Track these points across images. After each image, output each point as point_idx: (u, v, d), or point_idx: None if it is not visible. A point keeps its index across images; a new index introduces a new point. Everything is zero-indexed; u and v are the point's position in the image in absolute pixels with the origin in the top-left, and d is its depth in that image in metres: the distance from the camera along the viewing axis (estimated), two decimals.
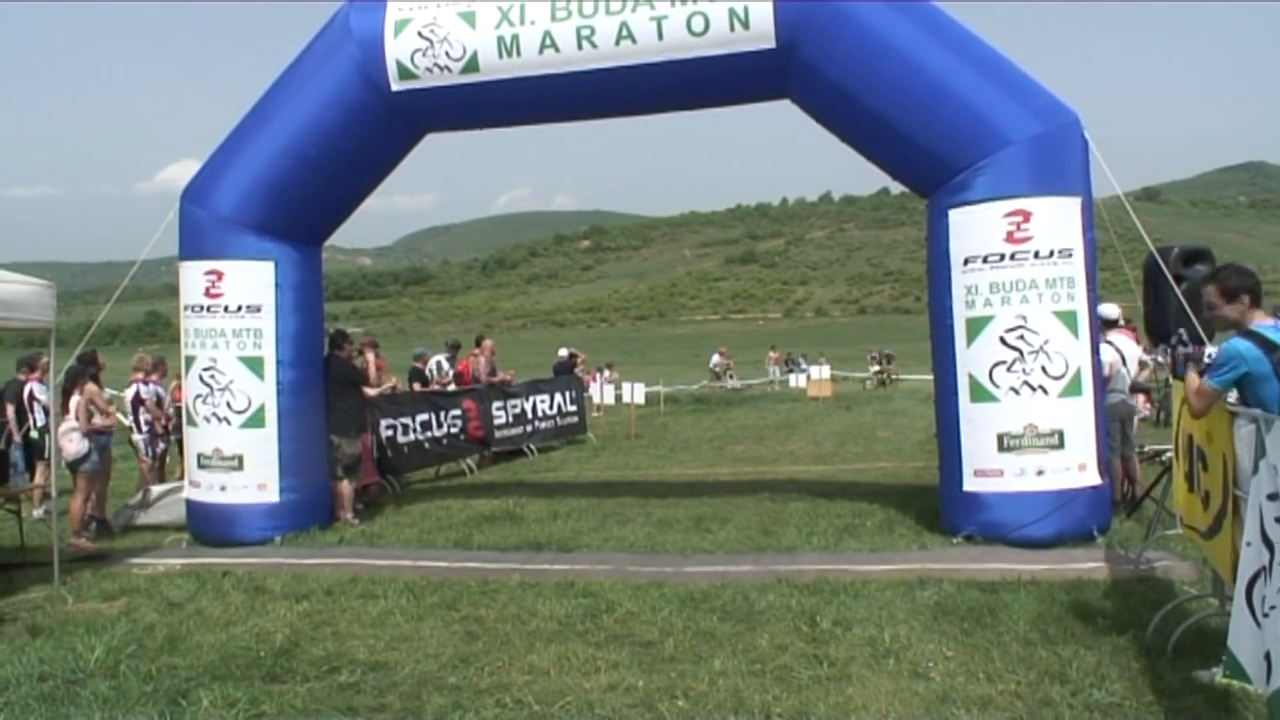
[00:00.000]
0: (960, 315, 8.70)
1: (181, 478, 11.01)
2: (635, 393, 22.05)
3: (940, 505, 9.13)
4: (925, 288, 9.47)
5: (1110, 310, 9.90)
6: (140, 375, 11.91)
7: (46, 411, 11.11)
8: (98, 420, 10.14)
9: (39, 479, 11.35)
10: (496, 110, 10.20)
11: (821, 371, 33.88)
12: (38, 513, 11.44)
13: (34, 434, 11.64)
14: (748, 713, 4.96)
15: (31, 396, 11.63)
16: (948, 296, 8.81)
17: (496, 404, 16.31)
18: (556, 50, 9.42)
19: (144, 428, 11.74)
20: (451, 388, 15.83)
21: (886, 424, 21.04)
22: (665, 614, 6.68)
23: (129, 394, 11.71)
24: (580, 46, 9.35)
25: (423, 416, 14.22)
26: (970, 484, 8.61)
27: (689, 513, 10.43)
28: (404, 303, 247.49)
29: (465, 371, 16.72)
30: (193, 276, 10.16)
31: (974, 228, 8.63)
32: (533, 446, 17.19)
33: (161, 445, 12.39)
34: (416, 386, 15.20)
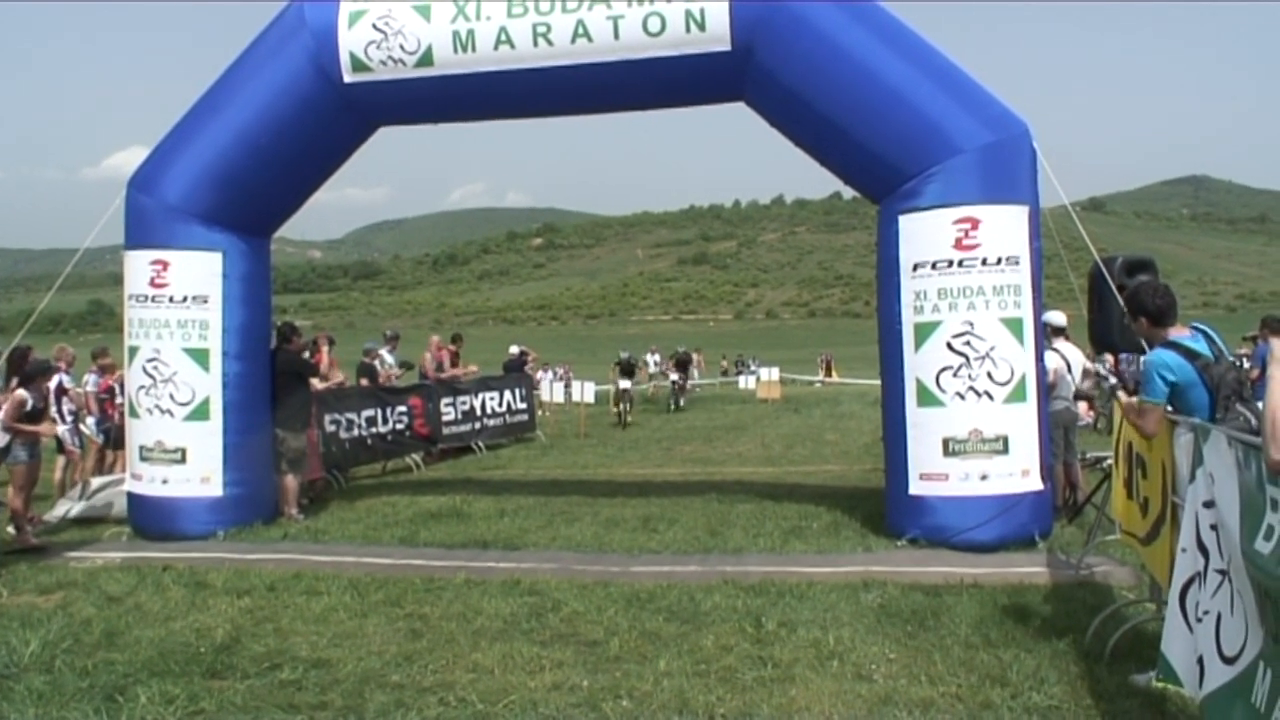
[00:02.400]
0: (909, 320, 8.79)
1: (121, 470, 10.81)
2: (585, 391, 22.03)
3: (886, 508, 9.22)
4: (875, 292, 9.55)
5: (1058, 317, 10.06)
6: (62, 365, 11.81)
7: None
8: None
9: None
10: (450, 105, 10.14)
11: (771, 374, 34.11)
12: None
13: None
14: (692, 713, 4.96)
15: None
16: (896, 302, 8.89)
17: (445, 400, 16.21)
18: (512, 46, 9.37)
19: (67, 418, 11.52)
20: (396, 381, 15.74)
21: (834, 427, 21.23)
22: (611, 614, 6.67)
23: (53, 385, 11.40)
24: (536, 43, 9.31)
25: (369, 412, 14.08)
26: (916, 487, 8.71)
27: (636, 513, 10.43)
28: (353, 296, 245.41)
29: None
30: (138, 266, 9.97)
31: (923, 234, 8.72)
32: (481, 444, 17.10)
33: (100, 436, 12.20)
34: (365, 382, 15.05)
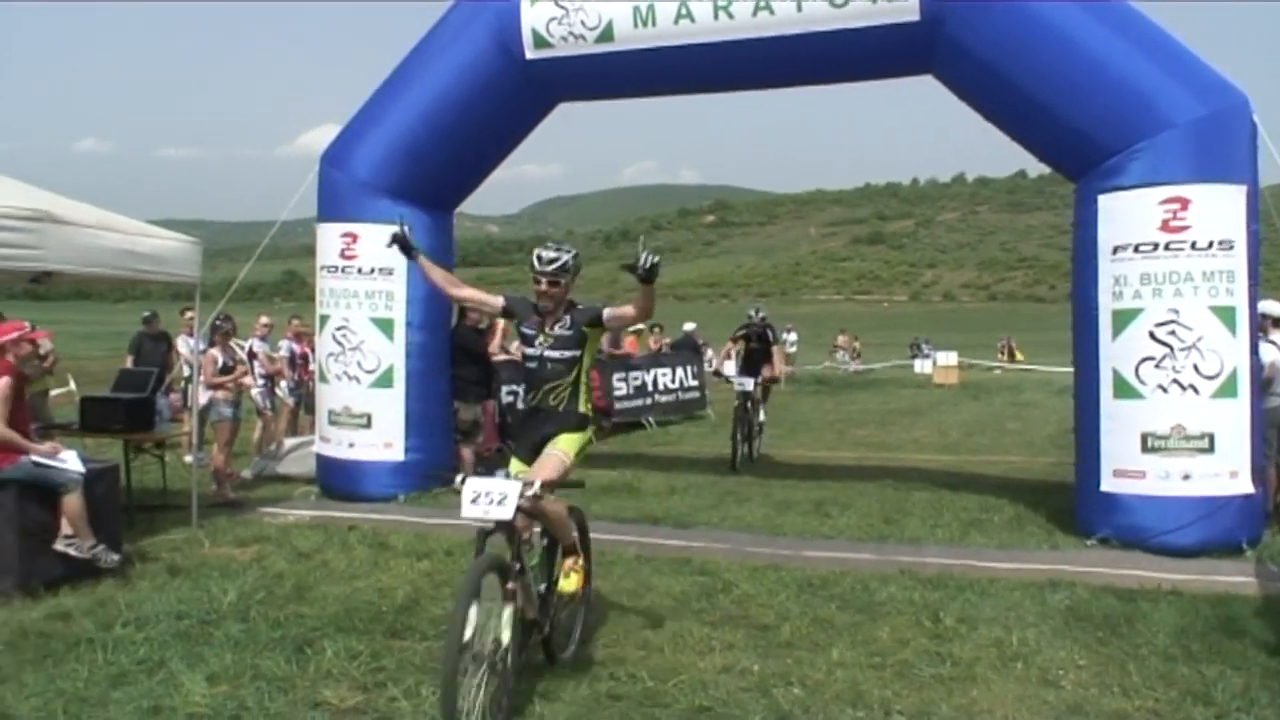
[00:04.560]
0: (1106, 306, 8.29)
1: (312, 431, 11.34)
2: (777, 365, 21.77)
3: (1075, 504, 8.75)
4: (1063, 275, 9.10)
5: (1274, 307, 9.29)
6: (258, 332, 12.63)
7: (189, 364, 11.56)
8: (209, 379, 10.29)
9: (185, 428, 11.81)
10: (629, 80, 10.13)
11: (948, 358, 33.06)
12: (188, 459, 11.90)
13: (180, 385, 12.31)
14: (866, 706, 4.81)
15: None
16: (1093, 286, 8.39)
17: (618, 375, 16.37)
18: (692, 20, 9.27)
19: (260, 381, 12.13)
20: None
21: (1016, 415, 20.34)
22: (782, 598, 6.56)
23: (247, 348, 12.09)
24: (716, 17, 9.19)
25: None
26: (1109, 484, 8.22)
27: (808, 496, 10.26)
28: (528, 271, 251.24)
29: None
30: (329, 238, 10.39)
31: (1126, 214, 8.18)
32: (652, 420, 17.18)
33: (293, 399, 12.82)
34: None
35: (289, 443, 11.81)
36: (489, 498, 4.58)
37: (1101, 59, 8.24)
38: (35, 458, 6.68)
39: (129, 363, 13.60)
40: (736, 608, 6.40)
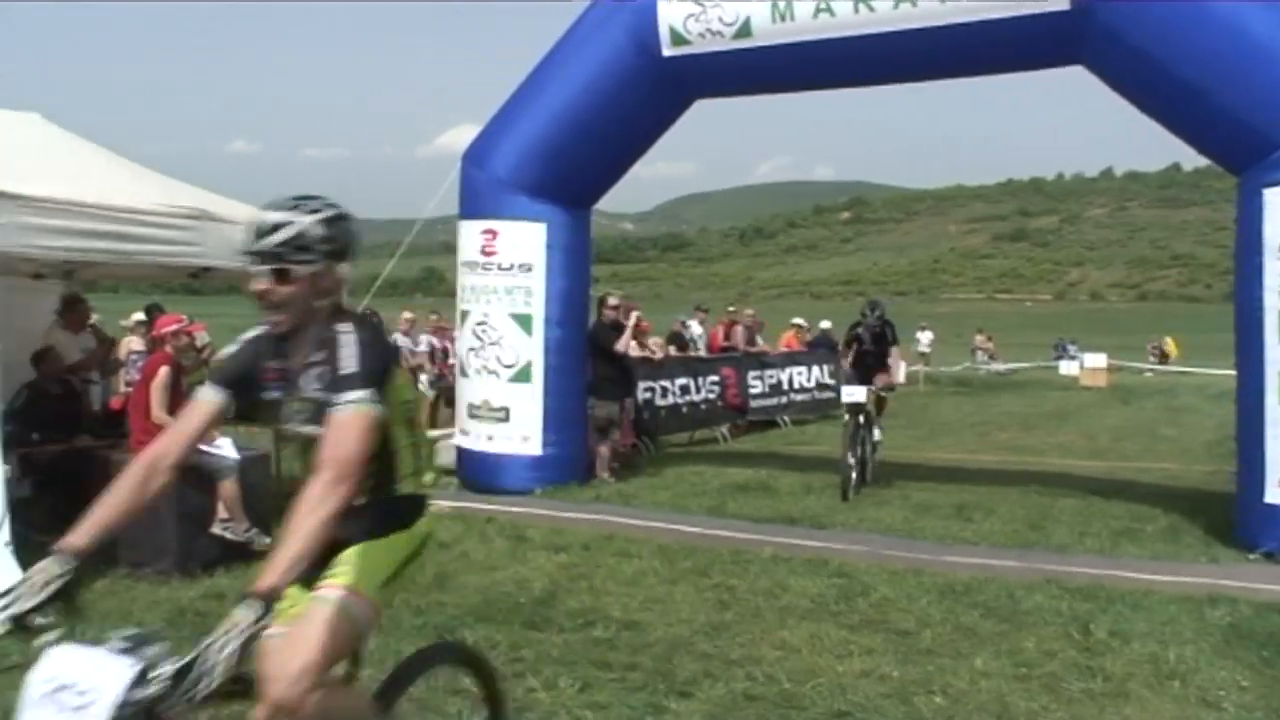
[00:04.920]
0: (1273, 307, 7.81)
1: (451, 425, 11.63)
2: (897, 370, 21.40)
3: (1235, 516, 8.30)
4: (1220, 274, 8.67)
5: None
6: (401, 327, 13.27)
7: None
8: None
9: None
10: (767, 76, 10.07)
11: (1097, 359, 31.83)
12: None
13: None
14: (1011, 719, 4.66)
15: None
16: (1258, 285, 7.92)
17: (753, 373, 16.32)
18: (832, 15, 9.14)
19: None
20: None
21: (1170, 421, 19.42)
22: (923, 603, 6.41)
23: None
24: (857, 10, 9.04)
25: (681, 380, 14.39)
26: (1274, 495, 7.74)
27: (949, 499, 10.01)
28: (661, 268, 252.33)
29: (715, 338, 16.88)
30: (470, 235, 10.62)
31: None
32: (787, 419, 17.05)
33: (432, 392, 13.18)
34: (674, 350, 15.37)
35: (429, 435, 12.12)
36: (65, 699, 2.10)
37: (1267, 44, 7.81)
38: None
39: None
40: (875, 611, 6.28)
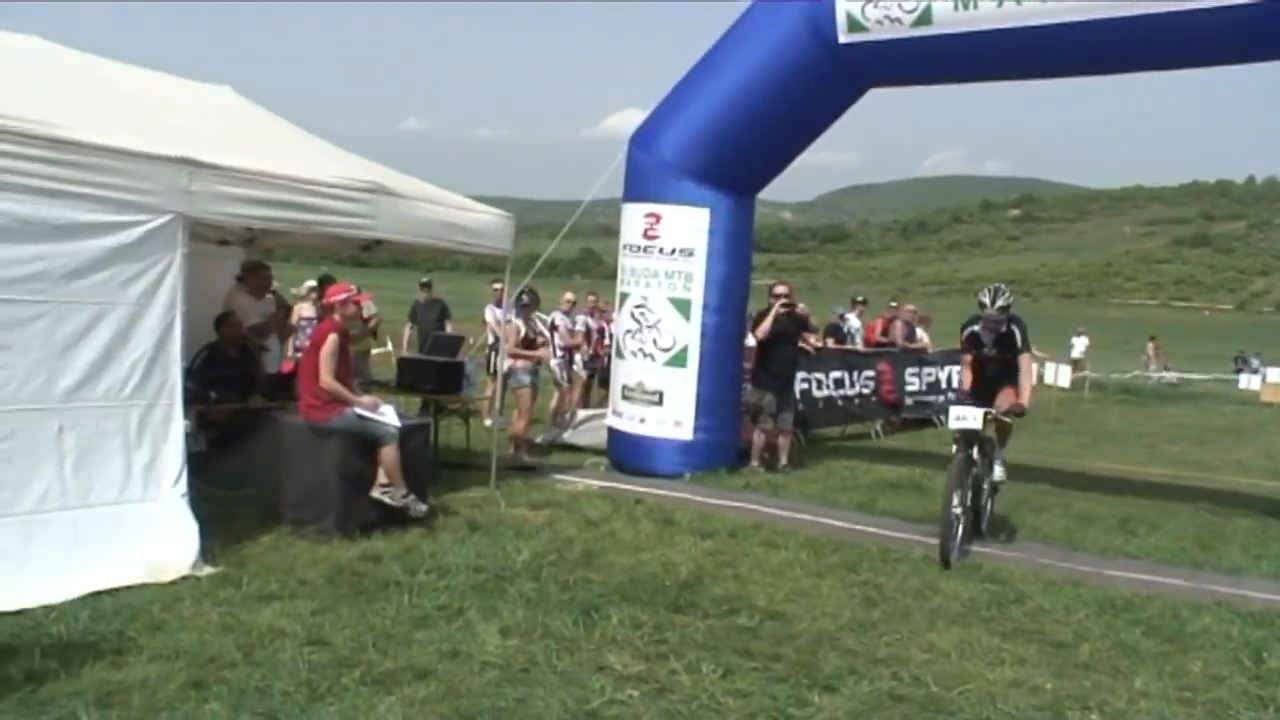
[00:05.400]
0: None
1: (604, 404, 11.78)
2: (1059, 375, 20.62)
3: None
4: None
5: None
6: (562, 305, 13.25)
7: (494, 333, 12.33)
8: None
9: (488, 392, 12.58)
10: (946, 66, 9.77)
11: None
12: (488, 422, 12.68)
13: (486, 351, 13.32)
14: None
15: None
16: None
17: (910, 370, 15.98)
18: (1018, 3, 8.80)
19: (558, 353, 12.66)
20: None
21: None
22: (1080, 616, 6.18)
23: (549, 321, 12.67)
24: None
25: (836, 374, 14.21)
26: None
27: (1112, 511, 9.60)
28: (819, 259, 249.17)
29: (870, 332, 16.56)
30: (633, 217, 10.70)
31: None
32: (942, 418, 16.60)
33: (587, 372, 13.35)
34: (832, 342, 15.17)
35: (582, 414, 12.30)
36: None
37: None
38: (358, 410, 7.30)
39: (407, 329, 15.69)
40: (1029, 621, 6.09)
